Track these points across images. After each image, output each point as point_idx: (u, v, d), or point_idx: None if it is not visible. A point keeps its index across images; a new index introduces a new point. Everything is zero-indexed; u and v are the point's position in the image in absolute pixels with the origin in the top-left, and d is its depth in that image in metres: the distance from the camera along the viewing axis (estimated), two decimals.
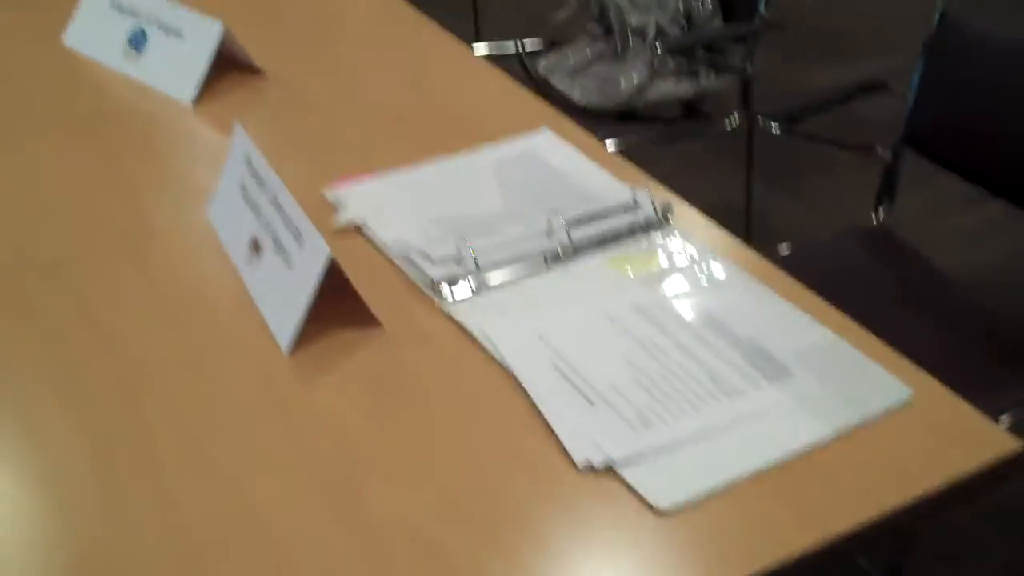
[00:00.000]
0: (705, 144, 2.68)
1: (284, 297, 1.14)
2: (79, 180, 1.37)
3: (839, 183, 2.96)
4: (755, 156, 2.38)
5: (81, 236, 1.28)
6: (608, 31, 2.42)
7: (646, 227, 1.30)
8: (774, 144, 2.36)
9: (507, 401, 1.07)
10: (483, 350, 1.13)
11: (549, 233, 1.26)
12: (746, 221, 2.39)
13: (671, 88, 2.25)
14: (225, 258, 1.25)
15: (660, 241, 1.28)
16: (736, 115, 2.24)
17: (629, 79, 2.26)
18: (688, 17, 2.22)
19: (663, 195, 1.35)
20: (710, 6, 2.21)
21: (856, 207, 2.82)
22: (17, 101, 1.53)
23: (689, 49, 2.22)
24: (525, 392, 1.07)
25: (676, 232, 1.30)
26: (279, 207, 1.18)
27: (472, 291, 1.20)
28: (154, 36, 1.60)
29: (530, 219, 1.29)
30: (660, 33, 2.28)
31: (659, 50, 2.08)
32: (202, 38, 1.55)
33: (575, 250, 1.25)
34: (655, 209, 1.30)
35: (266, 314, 1.16)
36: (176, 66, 1.56)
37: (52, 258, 1.24)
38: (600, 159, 1.43)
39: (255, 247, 1.21)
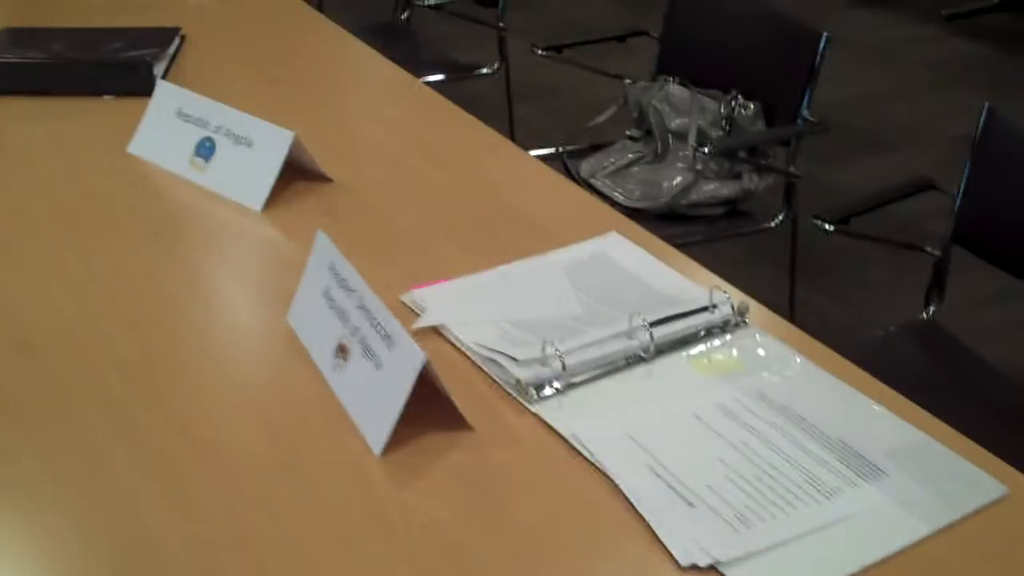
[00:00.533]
0: (743, 243, 2.71)
1: (375, 400, 1.15)
2: (154, 283, 1.39)
3: (875, 280, 2.99)
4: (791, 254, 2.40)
5: (162, 337, 1.29)
6: (648, 133, 2.46)
7: (723, 327, 1.31)
8: (805, 242, 2.39)
9: (602, 501, 1.07)
10: (574, 450, 1.14)
11: (630, 334, 1.27)
12: (791, 320, 2.40)
13: (714, 189, 2.28)
14: (307, 361, 1.26)
15: (739, 340, 1.29)
16: (782, 215, 2.27)
17: (671, 181, 2.29)
18: (730, 120, 2.26)
19: (736, 294, 1.36)
20: (752, 109, 2.25)
21: (895, 302, 2.84)
22: (87, 207, 1.56)
23: (732, 151, 2.25)
24: (619, 492, 1.08)
25: (754, 332, 1.31)
26: (367, 312, 1.19)
27: (558, 392, 1.20)
28: (222, 145, 1.63)
29: (610, 321, 1.30)
30: (702, 136, 2.31)
31: (705, 152, 2.11)
32: (272, 147, 1.58)
33: (656, 351, 1.26)
34: (733, 309, 1.31)
35: (355, 417, 1.17)
36: (245, 174, 1.59)
37: (135, 360, 1.25)
38: (669, 260, 1.45)
39: (342, 351, 1.22)
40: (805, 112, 2.18)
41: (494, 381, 1.23)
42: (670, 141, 2.39)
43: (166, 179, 1.65)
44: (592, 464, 1.12)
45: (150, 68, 1.89)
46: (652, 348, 1.26)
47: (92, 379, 1.22)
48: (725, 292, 1.33)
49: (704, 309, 1.32)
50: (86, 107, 1.88)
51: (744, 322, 1.32)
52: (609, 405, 1.19)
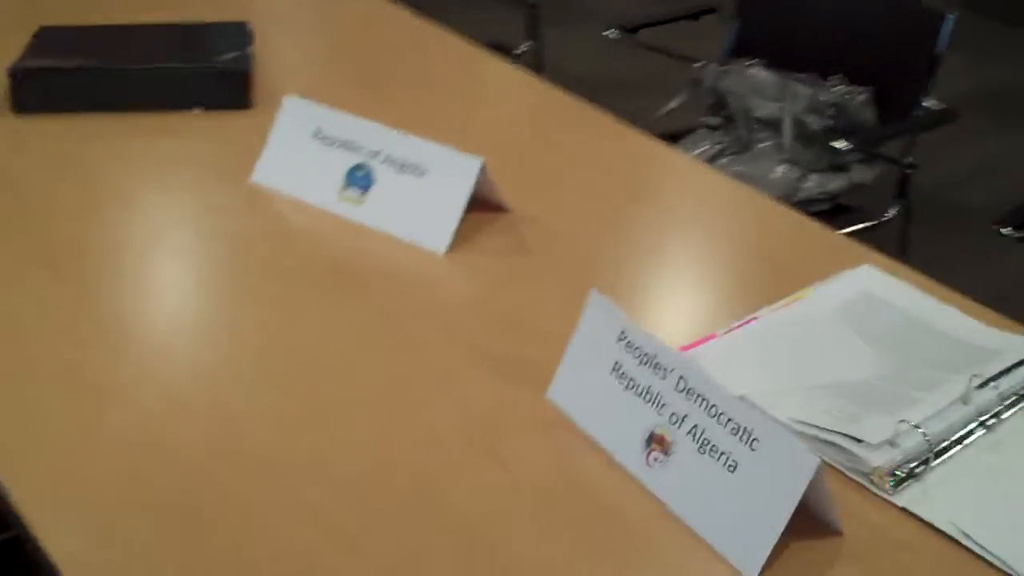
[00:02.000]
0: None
1: (735, 512, 0.95)
2: (360, 354, 1.16)
3: (986, 276, 2.83)
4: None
5: (404, 424, 1.07)
6: (728, 121, 2.28)
7: None
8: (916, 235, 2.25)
9: None
10: (962, 549, 0.97)
11: (965, 399, 1.10)
12: None
13: (820, 183, 2.13)
14: (592, 447, 1.06)
15: None
16: (895, 208, 2.13)
17: (772, 174, 2.13)
18: (839, 108, 2.10)
19: None
20: (862, 96, 2.09)
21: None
22: (234, 255, 1.32)
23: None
24: None
25: None
26: (702, 399, 0.99)
27: (914, 476, 1.03)
28: (383, 174, 1.39)
29: (928, 380, 1.13)
30: (799, 125, 2.15)
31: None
32: (454, 176, 1.35)
33: (998, 416, 1.10)
34: None
35: (700, 527, 0.98)
36: (418, 209, 1.36)
37: (388, 460, 1.03)
38: (938, 294, 1.28)
39: (658, 443, 1.02)
40: (926, 100, 2.03)
41: (831, 466, 1.05)
42: (756, 131, 2.22)
43: (313, 216, 1.41)
44: (990, 564, 0.95)
45: (247, 77, 1.63)
46: (1002, 413, 1.09)
47: (328, 479, 1.00)
48: None
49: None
50: (173, 125, 1.61)
51: None
52: (976, 487, 1.03)
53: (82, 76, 1.61)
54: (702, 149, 2.25)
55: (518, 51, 2.73)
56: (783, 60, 2.23)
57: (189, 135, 1.58)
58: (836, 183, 2.13)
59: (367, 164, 1.40)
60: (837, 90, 2.12)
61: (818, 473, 0.92)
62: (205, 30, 1.77)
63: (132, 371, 1.12)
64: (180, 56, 1.66)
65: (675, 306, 1.28)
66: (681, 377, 1.01)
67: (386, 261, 1.33)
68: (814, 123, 2.15)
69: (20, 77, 1.58)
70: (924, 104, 2.04)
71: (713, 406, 0.98)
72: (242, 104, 1.63)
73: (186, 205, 1.41)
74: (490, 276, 1.31)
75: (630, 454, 1.04)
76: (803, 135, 2.15)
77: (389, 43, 1.93)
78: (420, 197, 1.36)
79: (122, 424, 1.05)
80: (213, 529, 0.94)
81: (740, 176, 2.15)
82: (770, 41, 2.28)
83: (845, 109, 2.10)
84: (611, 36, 2.28)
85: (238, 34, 1.76)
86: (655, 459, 1.02)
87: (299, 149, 1.45)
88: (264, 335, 1.18)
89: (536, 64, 2.77)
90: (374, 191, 1.39)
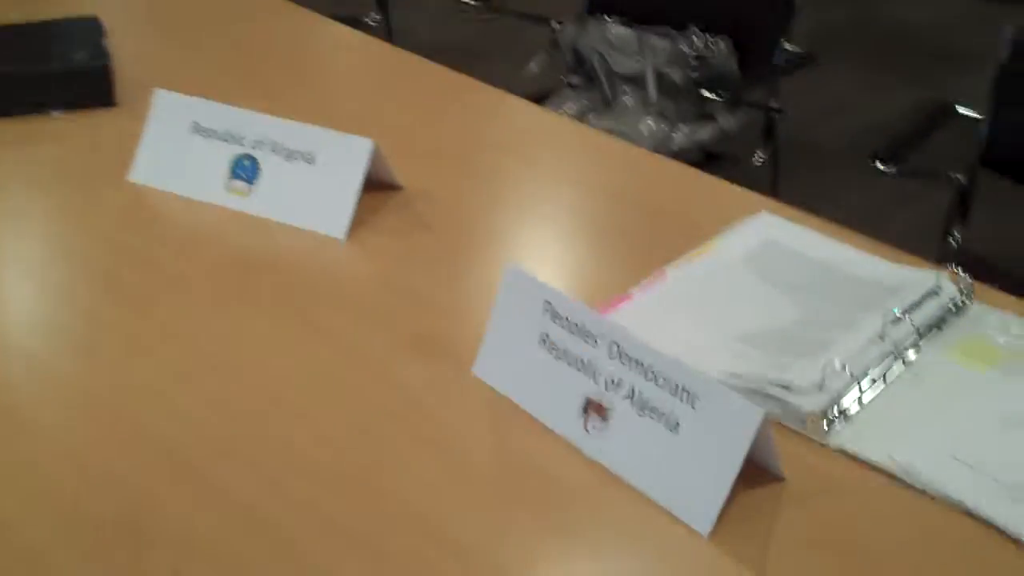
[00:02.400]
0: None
1: (681, 469, 0.96)
2: (275, 351, 1.12)
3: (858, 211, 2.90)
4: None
5: (324, 412, 1.04)
6: (590, 80, 2.29)
7: (956, 310, 1.19)
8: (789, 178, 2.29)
9: (973, 539, 0.94)
10: (901, 484, 0.99)
11: (882, 335, 1.12)
12: None
13: (689, 134, 2.15)
14: (522, 419, 1.05)
15: (981, 323, 1.18)
16: (764, 154, 2.17)
17: (642, 130, 2.14)
18: (701, 59, 2.12)
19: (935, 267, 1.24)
20: (723, 46, 2.12)
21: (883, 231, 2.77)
22: (121, 261, 1.26)
23: (695, 90, 2.12)
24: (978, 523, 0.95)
25: (986, 310, 1.20)
26: (636, 362, 0.99)
27: (844, 417, 1.05)
28: (270, 163, 1.35)
29: (839, 321, 1.15)
30: (662, 78, 2.17)
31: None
32: (346, 160, 1.32)
33: (914, 349, 1.13)
34: (960, 290, 1.19)
35: (645, 487, 0.98)
36: (310, 196, 1.32)
37: (326, 460, 1.00)
38: (837, 236, 1.31)
39: (595, 410, 1.02)
40: (786, 45, 2.07)
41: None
42: (618, 87, 2.24)
43: (201, 211, 1.36)
44: (933, 497, 0.98)
45: (108, 72, 1.56)
46: (918, 347, 1.12)
47: (263, 480, 0.97)
48: (949, 272, 1.21)
49: (933, 293, 1.19)
50: (34, 130, 1.53)
51: (972, 301, 1.20)
52: (905, 421, 1.05)
53: None
54: (566, 109, 2.25)
55: (371, 23, 2.68)
56: (639, 15, 2.25)
57: (54, 139, 1.50)
58: (704, 133, 2.16)
59: (251, 154, 1.36)
60: (695, 41, 2.14)
61: (762, 424, 0.93)
62: (53, 28, 1.68)
63: (32, 394, 1.06)
64: (32, 57, 1.58)
65: (580, 269, 1.28)
66: (613, 342, 1.01)
67: (286, 251, 1.29)
68: (677, 75, 2.17)
69: None
70: (784, 48, 2.08)
71: (649, 368, 0.98)
72: (105, 102, 1.55)
73: (63, 212, 1.34)
74: (393, 256, 1.28)
75: (567, 424, 1.03)
76: (667, 88, 2.17)
77: (244, 27, 1.87)
78: (312, 184, 1.33)
79: (24, 449, 1.00)
80: (150, 544, 0.90)
81: (609, 132, 2.16)
82: None
83: (706, 59, 2.12)
84: (467, 1, 2.25)
85: (89, 30, 1.67)
86: (593, 426, 1.02)
87: (177, 144, 1.39)
88: (168, 340, 1.14)
89: (386, 34, 2.72)
90: (262, 181, 1.35)
